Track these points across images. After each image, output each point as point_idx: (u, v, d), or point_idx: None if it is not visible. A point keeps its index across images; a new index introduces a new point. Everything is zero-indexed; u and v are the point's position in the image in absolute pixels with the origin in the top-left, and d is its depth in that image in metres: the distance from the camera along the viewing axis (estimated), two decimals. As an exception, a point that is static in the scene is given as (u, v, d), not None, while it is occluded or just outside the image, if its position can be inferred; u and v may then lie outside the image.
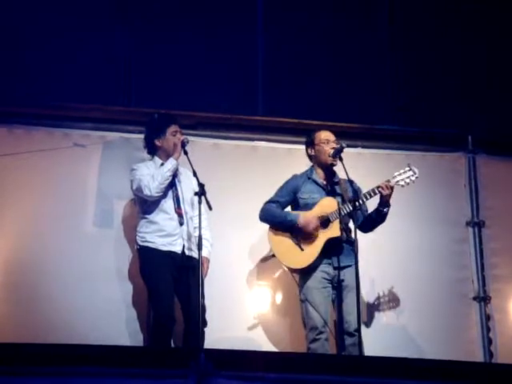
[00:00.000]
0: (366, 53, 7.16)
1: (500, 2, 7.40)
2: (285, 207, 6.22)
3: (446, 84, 7.21)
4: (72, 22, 6.72)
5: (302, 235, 6.07)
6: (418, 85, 7.20)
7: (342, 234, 6.02)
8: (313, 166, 6.26)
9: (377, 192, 5.97)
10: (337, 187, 6.16)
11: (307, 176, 6.23)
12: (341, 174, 6.07)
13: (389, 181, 5.99)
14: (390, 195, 5.97)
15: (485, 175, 7.02)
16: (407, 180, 6.03)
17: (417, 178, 6.05)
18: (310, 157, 6.26)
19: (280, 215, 6.13)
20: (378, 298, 6.62)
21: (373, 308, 6.61)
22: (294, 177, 6.27)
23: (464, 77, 7.22)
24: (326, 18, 7.18)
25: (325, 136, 6.18)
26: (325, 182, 6.19)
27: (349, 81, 7.09)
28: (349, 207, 5.98)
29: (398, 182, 6.02)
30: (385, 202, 5.98)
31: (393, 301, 6.63)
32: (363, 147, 6.94)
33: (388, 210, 6.02)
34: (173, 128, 6.14)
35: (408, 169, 6.06)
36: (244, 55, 7.04)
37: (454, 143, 7.08)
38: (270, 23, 7.09)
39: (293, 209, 6.22)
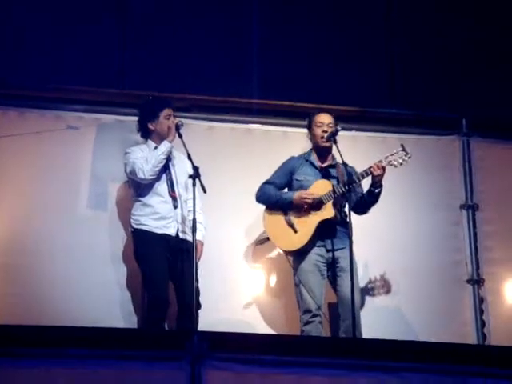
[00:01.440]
0: (361, 35, 7.13)
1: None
2: (281, 188, 6.22)
3: (441, 67, 7.19)
4: (67, 6, 6.67)
5: (296, 214, 6.07)
6: (412, 68, 7.18)
7: (335, 215, 6.02)
8: (311, 149, 6.25)
9: (369, 173, 5.97)
10: (333, 170, 6.16)
11: (305, 158, 6.24)
12: (338, 156, 6.06)
13: (381, 161, 5.98)
14: (381, 175, 5.95)
15: (479, 158, 7.01)
16: (400, 160, 6.01)
17: (409, 158, 6.02)
18: (309, 139, 6.26)
19: (276, 194, 6.14)
20: (372, 281, 6.63)
21: (367, 291, 6.61)
22: (291, 158, 6.28)
23: (458, 60, 7.20)
24: (323, 2, 7.14)
25: (319, 119, 6.18)
26: (321, 165, 6.19)
27: (344, 64, 7.06)
28: (342, 189, 5.98)
29: (390, 162, 5.99)
30: (376, 182, 5.97)
31: (386, 283, 6.64)
32: (358, 130, 6.93)
33: (380, 191, 6.01)
34: (166, 111, 6.12)
35: (401, 149, 6.04)
36: (239, 37, 7.00)
37: (448, 126, 7.07)
38: (266, 5, 7.05)
39: (289, 190, 6.22)
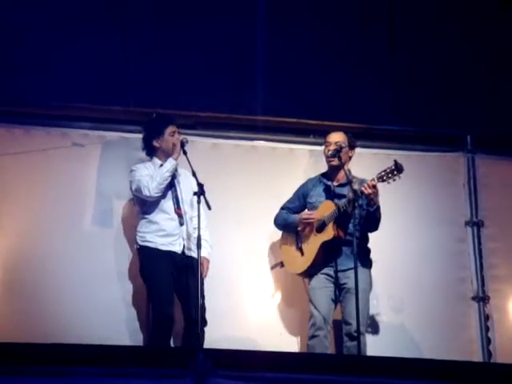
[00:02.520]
0: (365, 52, 7.15)
1: (500, 2, 7.39)
2: (296, 212, 6.25)
3: (445, 84, 7.20)
4: (72, 23, 6.71)
5: (304, 237, 6.12)
6: (417, 84, 7.19)
7: (335, 235, 6.00)
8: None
9: (361, 193, 5.90)
10: (344, 188, 6.12)
11: (319, 180, 6.26)
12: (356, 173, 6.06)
13: (373, 179, 5.94)
14: (373, 194, 5.88)
15: (484, 175, 7.01)
16: (391, 176, 5.87)
17: (401, 173, 5.86)
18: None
19: (284, 219, 6.23)
20: (378, 298, 6.62)
21: (372, 308, 6.60)
22: (307, 181, 6.33)
23: (463, 77, 7.21)
24: (326, 18, 7.16)
25: (327, 138, 6.20)
26: (334, 184, 6.19)
27: (349, 80, 7.07)
28: (345, 207, 5.96)
29: (382, 178, 5.89)
30: (369, 201, 5.94)
31: (392, 300, 6.63)
32: (362, 147, 6.92)
33: (376, 210, 5.95)
34: (171, 128, 6.14)
35: (393, 165, 5.90)
36: (244, 54, 7.03)
37: (453, 143, 7.08)
38: (271, 22, 7.08)
39: None
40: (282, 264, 6.34)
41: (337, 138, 6.18)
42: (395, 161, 5.95)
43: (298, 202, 6.27)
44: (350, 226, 5.99)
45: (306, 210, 6.18)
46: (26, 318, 6.19)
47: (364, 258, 6.04)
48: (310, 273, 6.11)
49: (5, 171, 6.42)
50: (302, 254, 6.14)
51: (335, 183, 6.19)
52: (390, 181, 5.93)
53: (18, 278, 6.29)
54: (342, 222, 6.03)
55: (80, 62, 6.66)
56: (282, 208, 6.29)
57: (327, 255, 6.06)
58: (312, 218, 6.08)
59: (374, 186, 5.89)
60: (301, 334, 6.14)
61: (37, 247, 6.37)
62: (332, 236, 6.01)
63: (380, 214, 6.03)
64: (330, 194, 6.15)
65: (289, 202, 6.29)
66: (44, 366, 4.83)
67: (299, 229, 6.16)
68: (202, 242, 5.86)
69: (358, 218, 5.93)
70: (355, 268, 5.77)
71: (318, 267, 6.07)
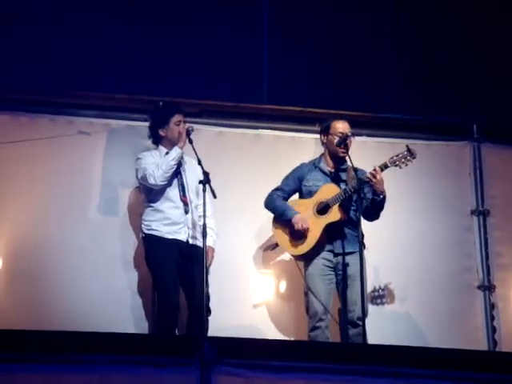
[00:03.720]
0: (371, 40, 7.14)
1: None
2: (290, 195, 6.23)
3: (452, 72, 7.18)
4: (77, 11, 6.70)
5: (295, 232, 6.09)
6: (423, 73, 7.18)
7: (341, 218, 6.01)
8: (322, 154, 6.25)
9: (366, 181, 5.90)
10: (343, 174, 6.14)
11: (314, 164, 6.24)
12: (349, 160, 6.04)
13: (385, 164, 5.91)
14: (379, 182, 5.88)
15: (490, 164, 7.00)
16: (404, 161, 5.91)
17: (414, 158, 5.91)
18: (322, 142, 6.24)
19: (279, 209, 6.16)
20: (383, 286, 6.61)
21: (377, 297, 6.60)
22: (301, 165, 6.29)
23: (469, 65, 7.19)
24: (330, 6, 7.15)
25: (340, 129, 6.12)
26: (331, 170, 6.19)
27: (354, 69, 7.07)
28: (350, 192, 5.96)
29: (395, 162, 5.91)
30: (375, 190, 5.92)
31: (397, 289, 6.63)
32: (368, 136, 6.93)
33: (382, 199, 5.93)
34: (176, 117, 6.13)
35: (406, 150, 5.94)
36: (249, 43, 7.02)
37: (459, 132, 7.06)
38: (276, 11, 7.07)
39: (299, 197, 6.24)
40: (276, 245, 6.28)
41: (348, 128, 6.13)
42: (407, 146, 5.96)
43: (293, 185, 6.21)
44: (351, 211, 6.01)
45: (299, 216, 6.08)
46: (31, 305, 6.21)
47: (362, 243, 6.01)
48: (310, 255, 6.07)
49: (10, 159, 6.42)
50: (302, 235, 6.11)
51: (332, 169, 6.16)
52: (403, 165, 5.94)
53: (23, 266, 6.30)
54: (345, 206, 6.03)
55: (86, 49, 6.66)
56: (277, 189, 6.20)
57: (329, 237, 6.04)
58: (303, 229, 6.03)
59: (376, 175, 5.86)
60: (306, 321, 6.13)
61: (42, 235, 6.38)
62: (339, 218, 6.00)
63: (384, 204, 6.01)
64: (329, 179, 6.14)
65: (284, 184, 6.22)
66: (49, 354, 4.84)
67: (293, 223, 6.06)
68: (208, 231, 5.86)
69: (360, 204, 5.89)
70: (360, 251, 5.76)
71: (319, 249, 6.04)
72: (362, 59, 7.09)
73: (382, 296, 6.59)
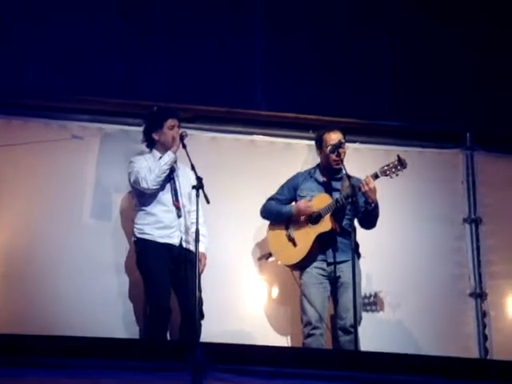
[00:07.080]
0: (364, 47, 7.15)
1: (500, 1, 7.39)
2: (285, 204, 6.23)
3: (445, 80, 7.20)
4: (72, 12, 6.69)
5: (296, 228, 6.09)
6: (416, 81, 7.19)
7: (333, 227, 6.01)
8: (318, 165, 6.25)
9: (358, 190, 5.89)
10: (336, 183, 6.15)
11: (309, 174, 6.25)
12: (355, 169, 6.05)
13: (375, 174, 5.92)
14: (370, 191, 5.88)
15: (483, 172, 7.02)
16: (394, 171, 5.89)
17: (405, 168, 5.91)
18: (317, 154, 6.24)
19: (276, 208, 6.18)
20: (375, 294, 6.62)
21: (369, 304, 6.60)
22: (296, 174, 6.31)
23: (463, 73, 7.21)
24: (325, 13, 7.16)
25: (333, 141, 6.09)
26: (326, 180, 6.18)
27: (348, 76, 7.08)
28: (343, 201, 5.96)
29: (386, 172, 5.91)
30: (367, 199, 5.92)
31: (389, 296, 6.63)
32: (361, 143, 6.94)
33: (374, 208, 5.93)
34: (170, 122, 6.13)
35: (396, 160, 5.94)
36: (243, 48, 7.02)
37: (452, 140, 7.08)
38: (269, 17, 7.08)
39: None
40: (269, 255, 6.30)
41: (339, 137, 6.12)
42: (398, 156, 5.97)
43: (288, 194, 6.23)
44: (344, 220, 6.02)
45: (303, 200, 6.14)
46: (23, 310, 6.19)
47: (356, 252, 6.02)
48: (302, 265, 6.09)
49: (3, 163, 6.40)
50: (295, 244, 6.11)
51: (326, 179, 6.17)
52: (393, 175, 5.94)
53: (15, 271, 6.28)
54: (338, 216, 6.04)
55: (80, 53, 6.65)
56: (271, 199, 6.23)
57: (322, 247, 6.05)
58: (310, 210, 6.06)
59: (369, 184, 5.85)
60: (299, 328, 6.13)
61: (35, 239, 6.36)
62: (330, 228, 6.01)
63: (378, 212, 6.02)
64: (323, 189, 6.15)
65: (279, 193, 6.24)
66: (40, 358, 4.82)
67: (294, 219, 6.11)
68: (200, 237, 5.85)
69: (355, 212, 5.90)
70: (353, 260, 5.77)
71: (311, 259, 6.06)
72: (356, 66, 7.10)
73: (374, 303, 6.60)
